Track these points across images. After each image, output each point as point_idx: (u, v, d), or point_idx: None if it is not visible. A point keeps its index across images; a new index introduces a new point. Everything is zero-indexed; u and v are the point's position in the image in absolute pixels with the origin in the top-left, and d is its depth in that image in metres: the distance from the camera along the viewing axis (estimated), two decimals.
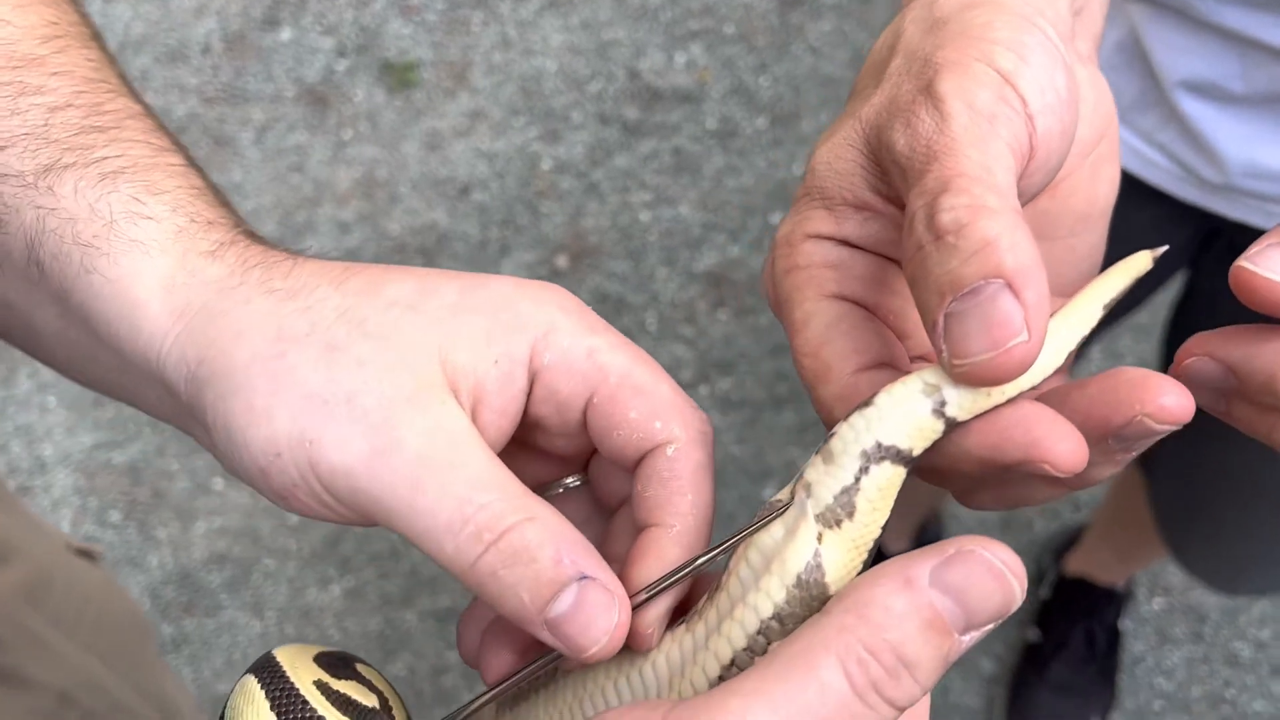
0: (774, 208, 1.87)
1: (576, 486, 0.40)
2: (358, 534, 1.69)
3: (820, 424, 1.79)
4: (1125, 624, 1.58)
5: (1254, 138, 0.72)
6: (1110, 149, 0.40)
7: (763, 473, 1.69)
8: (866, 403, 0.32)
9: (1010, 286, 0.29)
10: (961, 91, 0.33)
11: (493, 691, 0.36)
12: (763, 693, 0.29)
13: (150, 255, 0.36)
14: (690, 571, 0.34)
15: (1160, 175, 0.78)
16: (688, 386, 1.74)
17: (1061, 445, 0.31)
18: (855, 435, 0.32)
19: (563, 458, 0.39)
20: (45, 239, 0.37)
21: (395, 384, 0.33)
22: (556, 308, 0.36)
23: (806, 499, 0.33)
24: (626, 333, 2.04)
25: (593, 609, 0.32)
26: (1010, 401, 0.32)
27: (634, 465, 0.36)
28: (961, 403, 0.32)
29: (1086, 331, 0.35)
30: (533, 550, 0.32)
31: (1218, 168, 0.74)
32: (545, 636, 0.33)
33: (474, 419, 0.35)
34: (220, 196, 0.40)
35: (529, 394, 0.36)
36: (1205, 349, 0.34)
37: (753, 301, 1.80)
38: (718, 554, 0.34)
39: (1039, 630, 1.54)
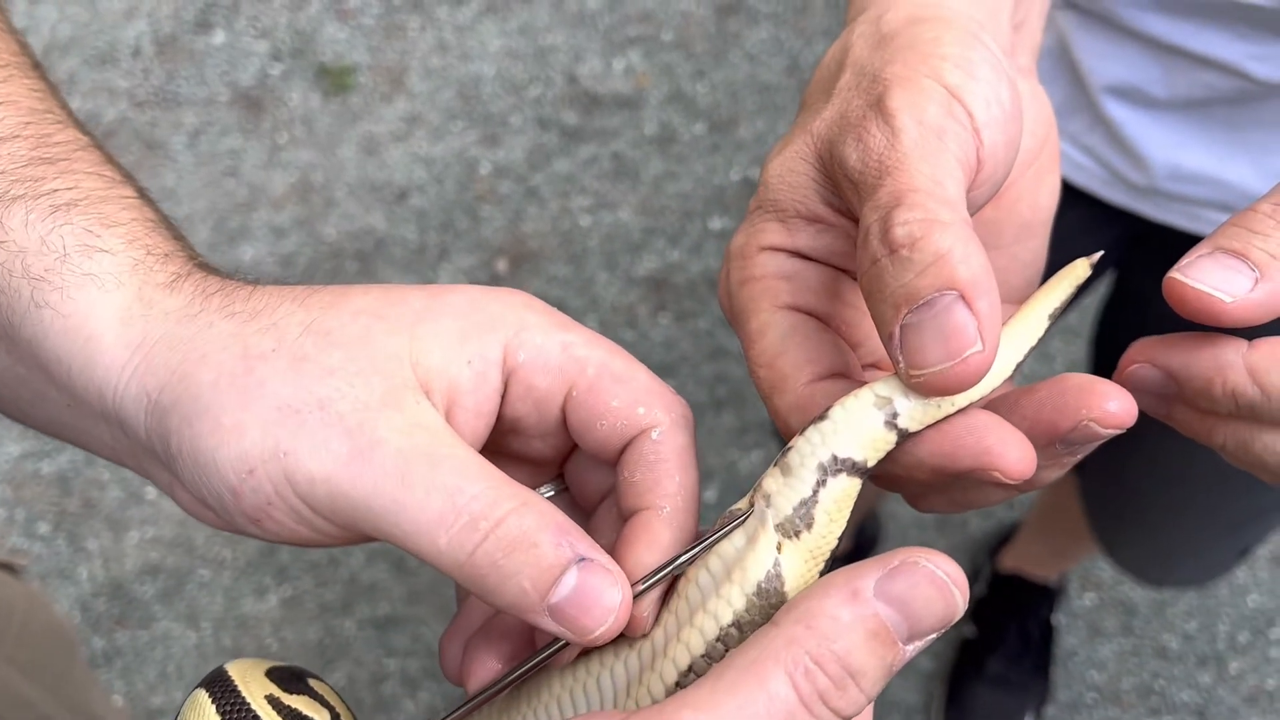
0: (712, 213, 1.88)
1: (552, 496, 0.40)
2: None
3: (761, 426, 1.80)
4: (1058, 619, 1.62)
5: (1176, 142, 0.74)
6: (1051, 159, 0.41)
7: (704, 474, 1.70)
8: (821, 416, 0.33)
9: (964, 298, 0.30)
10: (911, 107, 0.34)
11: (482, 696, 0.36)
12: (714, 705, 0.29)
13: (105, 289, 0.35)
14: (684, 561, 0.34)
15: (1088, 178, 0.80)
16: None
17: (1011, 453, 0.32)
18: (811, 449, 0.33)
19: (537, 463, 0.39)
20: None
21: (368, 388, 0.33)
22: (525, 308, 0.36)
23: (766, 509, 0.33)
24: None
25: (595, 590, 0.32)
26: (961, 411, 0.33)
27: (616, 456, 0.36)
28: (913, 414, 0.33)
29: (1034, 342, 0.36)
30: (531, 535, 0.32)
31: (1143, 171, 0.77)
32: (547, 624, 0.32)
33: (449, 420, 0.35)
34: (175, 230, 0.39)
35: (504, 394, 0.36)
36: (1147, 356, 0.36)
37: (692, 305, 1.81)
38: (701, 550, 0.34)
39: (975, 626, 1.57)
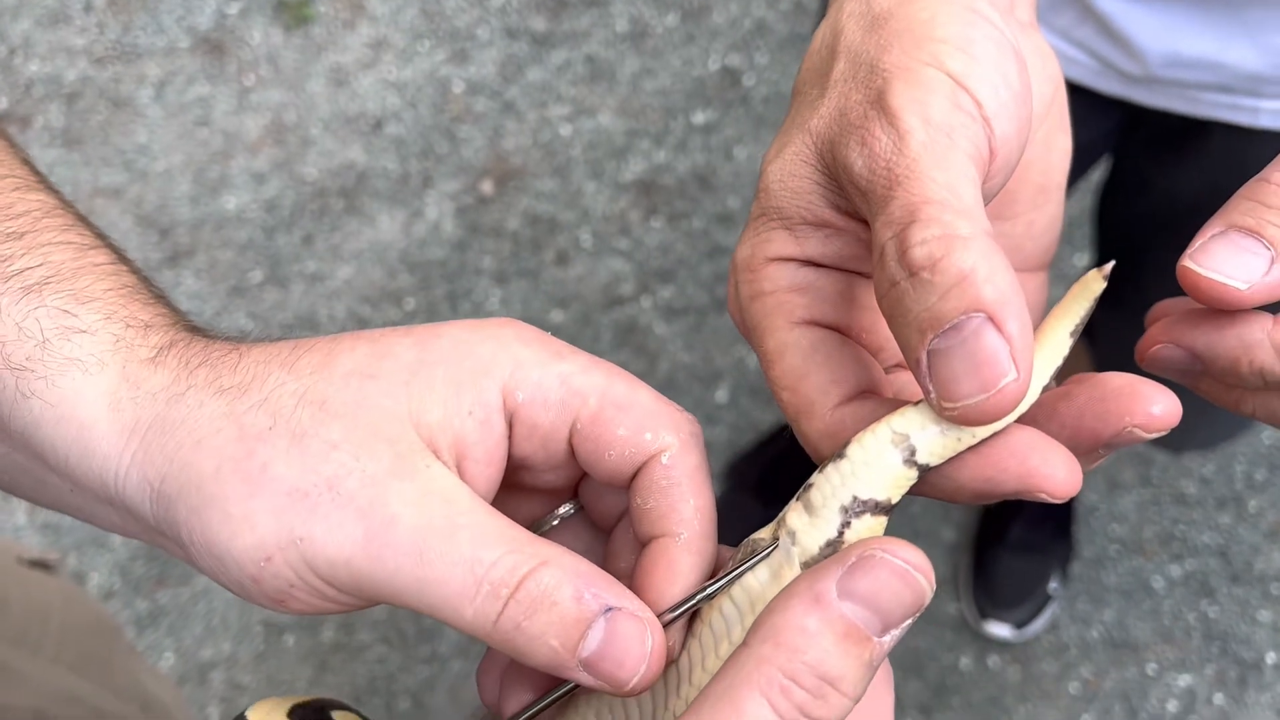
0: (694, 107, 1.85)
1: (571, 515, 0.39)
2: None
3: None
4: None
5: (1173, 28, 0.72)
6: (1060, 118, 0.39)
7: (712, 376, 1.71)
8: (840, 454, 0.33)
9: (992, 320, 0.29)
10: (915, 104, 0.32)
11: None
12: None
13: (89, 372, 0.34)
14: (708, 594, 0.34)
15: (1080, 71, 0.78)
16: (630, 299, 1.74)
17: (1057, 474, 0.31)
18: (832, 489, 0.33)
19: (551, 493, 0.39)
20: None
21: (374, 459, 0.32)
22: (517, 342, 0.35)
23: (792, 546, 0.33)
24: (562, 253, 1.99)
25: (625, 640, 0.32)
26: (999, 431, 0.32)
27: (629, 482, 0.36)
28: (932, 449, 0.32)
29: (1059, 362, 0.35)
30: (551, 593, 0.31)
31: (1137, 60, 0.74)
32: (584, 678, 0.32)
33: (460, 474, 0.34)
34: (155, 291, 0.38)
35: (510, 436, 0.35)
36: (1170, 336, 0.35)
37: (684, 206, 1.79)
38: (730, 581, 0.34)
39: None
